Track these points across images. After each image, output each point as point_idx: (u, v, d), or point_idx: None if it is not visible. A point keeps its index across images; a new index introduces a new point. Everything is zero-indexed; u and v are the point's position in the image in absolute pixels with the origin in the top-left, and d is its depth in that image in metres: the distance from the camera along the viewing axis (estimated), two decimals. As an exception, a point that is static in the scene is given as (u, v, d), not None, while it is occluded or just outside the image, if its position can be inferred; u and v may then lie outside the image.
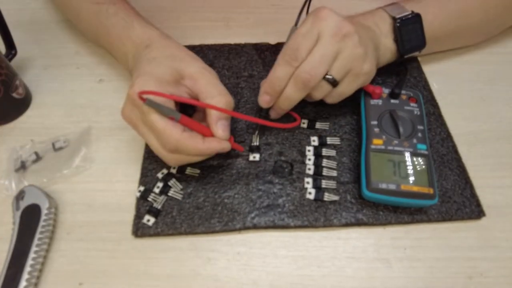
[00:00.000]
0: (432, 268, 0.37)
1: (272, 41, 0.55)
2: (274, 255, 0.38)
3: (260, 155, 0.44)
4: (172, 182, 0.42)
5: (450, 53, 0.53)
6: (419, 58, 0.53)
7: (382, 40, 0.45)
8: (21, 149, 0.44)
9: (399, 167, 0.39)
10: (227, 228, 0.39)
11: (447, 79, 0.51)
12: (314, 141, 0.45)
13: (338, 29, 0.38)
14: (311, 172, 0.42)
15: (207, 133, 0.38)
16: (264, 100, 0.41)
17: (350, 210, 0.40)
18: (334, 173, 0.42)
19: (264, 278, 0.37)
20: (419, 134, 0.42)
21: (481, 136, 0.46)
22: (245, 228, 0.39)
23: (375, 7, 0.47)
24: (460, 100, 0.49)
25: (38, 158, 0.43)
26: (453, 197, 0.41)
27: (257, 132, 0.45)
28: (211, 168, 0.43)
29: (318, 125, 0.46)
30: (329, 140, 0.45)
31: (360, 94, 0.45)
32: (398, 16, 0.44)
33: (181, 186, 0.41)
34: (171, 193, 0.41)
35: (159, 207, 0.40)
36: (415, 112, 0.44)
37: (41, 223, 0.37)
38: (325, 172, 0.42)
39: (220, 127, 0.38)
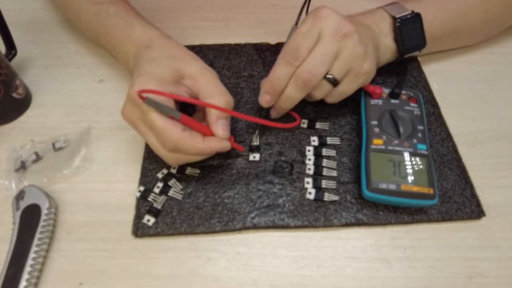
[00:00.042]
0: (432, 268, 0.37)
1: (272, 41, 0.55)
2: (274, 255, 0.38)
3: (260, 155, 0.44)
4: (172, 182, 0.42)
5: (450, 53, 0.53)
6: (419, 58, 0.53)
7: (382, 39, 0.45)
8: (21, 149, 0.44)
9: (399, 167, 0.39)
10: (227, 228, 0.39)
11: (447, 79, 0.51)
12: (314, 141, 0.45)
13: (338, 29, 0.38)
14: (311, 172, 0.42)
15: (207, 132, 0.38)
16: (264, 99, 0.41)
17: (350, 210, 0.40)
18: (334, 173, 0.42)
19: (264, 278, 0.37)
20: (419, 134, 0.42)
21: (481, 136, 0.46)
22: (245, 228, 0.39)
23: (375, 7, 0.47)
24: (460, 100, 0.49)
25: (38, 158, 0.43)
26: (453, 197, 0.41)
27: (257, 131, 0.45)
28: (211, 168, 0.43)
29: (318, 125, 0.46)
30: (329, 140, 0.45)
31: (360, 94, 0.45)
32: (398, 16, 0.44)
33: (181, 186, 0.41)
34: (171, 193, 0.41)
35: (159, 207, 0.40)
36: (415, 112, 0.44)
37: (41, 223, 0.37)
38: (325, 172, 0.42)
39: (220, 127, 0.38)
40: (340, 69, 0.39)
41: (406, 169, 0.39)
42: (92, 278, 0.37)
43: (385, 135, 0.42)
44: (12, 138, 0.46)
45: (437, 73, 0.52)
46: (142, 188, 0.41)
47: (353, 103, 0.46)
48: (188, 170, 0.42)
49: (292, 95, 0.40)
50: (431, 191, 0.38)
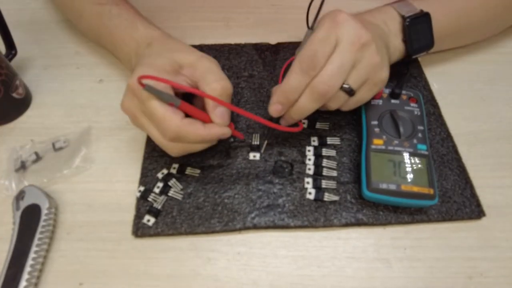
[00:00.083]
0: (432, 268, 0.37)
1: (272, 41, 0.55)
2: (274, 255, 0.38)
3: (260, 155, 0.44)
4: (172, 182, 0.42)
5: (450, 53, 0.53)
6: (419, 58, 0.53)
7: (392, 39, 0.44)
8: (21, 149, 0.44)
9: (399, 167, 0.39)
10: (227, 228, 0.39)
11: (447, 79, 0.51)
12: (314, 141, 0.45)
13: (357, 38, 0.36)
14: (311, 172, 0.42)
15: (207, 119, 0.38)
16: (275, 109, 0.39)
17: (350, 210, 0.40)
18: (334, 173, 0.42)
19: (264, 278, 0.37)
20: (419, 134, 0.42)
21: (481, 136, 0.46)
22: (245, 228, 0.39)
23: (375, 6, 0.47)
24: (460, 100, 0.49)
25: (38, 158, 0.43)
26: (453, 197, 0.41)
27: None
28: (211, 168, 0.43)
29: (318, 125, 0.46)
30: (329, 140, 0.45)
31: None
32: (407, 15, 0.43)
33: (181, 186, 0.41)
34: (171, 193, 0.41)
35: (159, 207, 0.40)
36: (415, 112, 0.44)
37: (41, 223, 0.37)
38: (325, 172, 0.42)
39: (218, 114, 0.37)
40: (357, 79, 0.37)
41: (406, 169, 0.39)
42: (92, 278, 0.37)
43: (385, 135, 0.42)
44: (12, 138, 0.46)
45: (437, 73, 0.52)
46: (142, 188, 0.41)
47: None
48: (188, 170, 0.42)
49: (306, 106, 0.38)
50: (431, 191, 0.38)
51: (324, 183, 0.41)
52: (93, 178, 0.43)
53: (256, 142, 0.45)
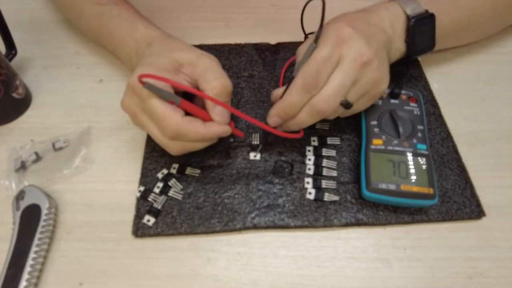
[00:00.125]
0: (432, 268, 0.37)
1: (272, 41, 0.55)
2: (274, 255, 0.38)
3: (261, 155, 0.44)
4: (172, 182, 0.42)
5: (450, 53, 0.53)
6: (419, 58, 0.53)
7: (395, 42, 0.43)
8: (21, 149, 0.44)
9: (399, 167, 0.39)
10: (227, 228, 0.39)
11: (447, 79, 0.51)
12: (314, 141, 0.45)
13: (359, 56, 0.36)
14: (311, 172, 0.42)
15: (207, 117, 0.38)
16: (275, 121, 0.40)
17: (350, 210, 0.40)
18: (334, 173, 0.42)
19: (264, 278, 0.37)
20: (419, 134, 0.42)
21: (481, 136, 0.46)
22: (245, 228, 0.39)
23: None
24: (460, 100, 0.49)
25: (38, 158, 0.43)
26: (453, 197, 0.41)
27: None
28: (211, 168, 0.43)
29: (318, 125, 0.46)
30: (329, 140, 0.45)
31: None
32: (412, 14, 0.43)
33: (181, 186, 0.41)
34: (171, 193, 0.41)
35: (159, 207, 0.40)
36: (415, 112, 0.44)
37: (41, 223, 0.38)
38: (325, 172, 0.42)
39: (217, 113, 0.37)
40: (355, 95, 0.38)
41: (406, 169, 0.39)
42: (92, 278, 0.37)
43: (385, 135, 0.42)
44: (12, 138, 0.46)
45: (437, 73, 0.52)
46: (142, 188, 0.41)
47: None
48: (188, 170, 0.42)
49: (304, 121, 0.39)
50: (431, 191, 0.38)
51: (324, 183, 0.41)
52: (93, 178, 0.43)
53: (256, 142, 0.45)
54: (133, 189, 0.42)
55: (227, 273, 0.37)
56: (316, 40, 0.36)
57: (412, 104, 0.44)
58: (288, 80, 0.39)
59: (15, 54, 0.50)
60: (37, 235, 0.37)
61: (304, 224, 0.39)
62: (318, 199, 0.40)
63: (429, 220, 0.40)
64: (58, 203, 0.41)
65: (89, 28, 0.51)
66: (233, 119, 0.40)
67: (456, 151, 0.44)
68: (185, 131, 0.36)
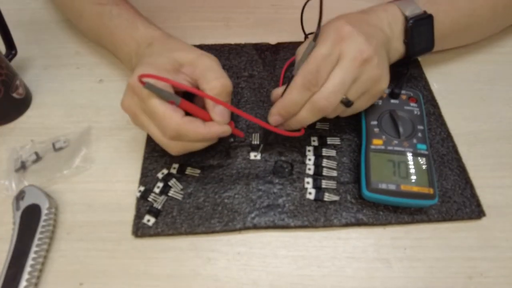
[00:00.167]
0: (432, 268, 0.37)
1: (272, 41, 0.55)
2: (274, 255, 0.38)
3: (261, 155, 0.44)
4: (172, 182, 0.42)
5: (450, 53, 0.53)
6: (419, 58, 0.53)
7: (394, 42, 0.43)
8: (21, 149, 0.44)
9: (399, 167, 0.39)
10: (227, 228, 0.39)
11: (447, 79, 0.51)
12: (314, 141, 0.45)
13: (359, 53, 0.36)
14: (311, 172, 0.42)
15: (207, 117, 0.38)
16: (275, 120, 0.40)
17: (350, 210, 0.40)
18: (334, 173, 0.42)
19: (264, 278, 0.37)
20: (419, 134, 0.42)
21: (481, 136, 0.46)
22: (245, 228, 0.39)
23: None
24: (460, 100, 0.49)
25: (38, 158, 0.43)
26: (453, 197, 0.41)
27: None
28: (211, 168, 0.43)
29: (318, 125, 0.46)
30: (329, 140, 0.45)
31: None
32: (411, 16, 0.43)
33: (181, 186, 0.41)
34: (171, 193, 0.41)
35: (159, 207, 0.40)
36: (415, 112, 0.44)
37: (41, 223, 0.38)
38: (325, 172, 0.42)
39: (217, 113, 0.37)
40: (356, 93, 0.38)
41: (406, 169, 0.39)
42: (92, 278, 0.37)
43: (385, 135, 0.42)
44: (12, 138, 0.46)
45: (437, 73, 0.52)
46: (142, 188, 0.41)
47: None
48: (188, 170, 0.42)
49: (305, 119, 0.39)
50: (431, 191, 0.38)
51: (324, 183, 0.41)
52: (93, 178, 0.43)
53: (256, 141, 0.45)
54: (133, 189, 0.42)
55: (227, 273, 0.37)
56: (315, 38, 0.36)
57: (412, 104, 0.44)
58: (288, 80, 0.39)
59: (15, 54, 0.50)
60: (37, 235, 0.37)
61: (304, 224, 0.39)
62: (318, 199, 0.40)
63: (429, 220, 0.40)
64: (58, 203, 0.41)
65: (89, 28, 0.51)
66: (233, 119, 0.40)
67: (456, 151, 0.44)
68: (185, 131, 0.36)
